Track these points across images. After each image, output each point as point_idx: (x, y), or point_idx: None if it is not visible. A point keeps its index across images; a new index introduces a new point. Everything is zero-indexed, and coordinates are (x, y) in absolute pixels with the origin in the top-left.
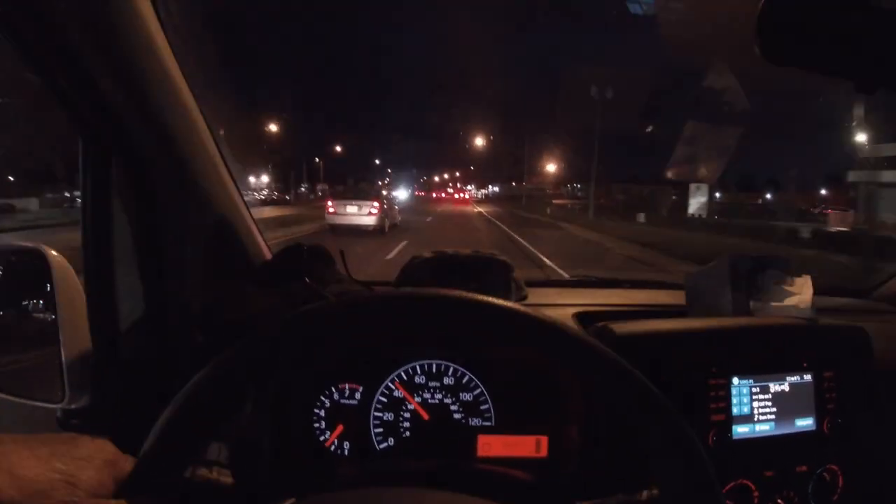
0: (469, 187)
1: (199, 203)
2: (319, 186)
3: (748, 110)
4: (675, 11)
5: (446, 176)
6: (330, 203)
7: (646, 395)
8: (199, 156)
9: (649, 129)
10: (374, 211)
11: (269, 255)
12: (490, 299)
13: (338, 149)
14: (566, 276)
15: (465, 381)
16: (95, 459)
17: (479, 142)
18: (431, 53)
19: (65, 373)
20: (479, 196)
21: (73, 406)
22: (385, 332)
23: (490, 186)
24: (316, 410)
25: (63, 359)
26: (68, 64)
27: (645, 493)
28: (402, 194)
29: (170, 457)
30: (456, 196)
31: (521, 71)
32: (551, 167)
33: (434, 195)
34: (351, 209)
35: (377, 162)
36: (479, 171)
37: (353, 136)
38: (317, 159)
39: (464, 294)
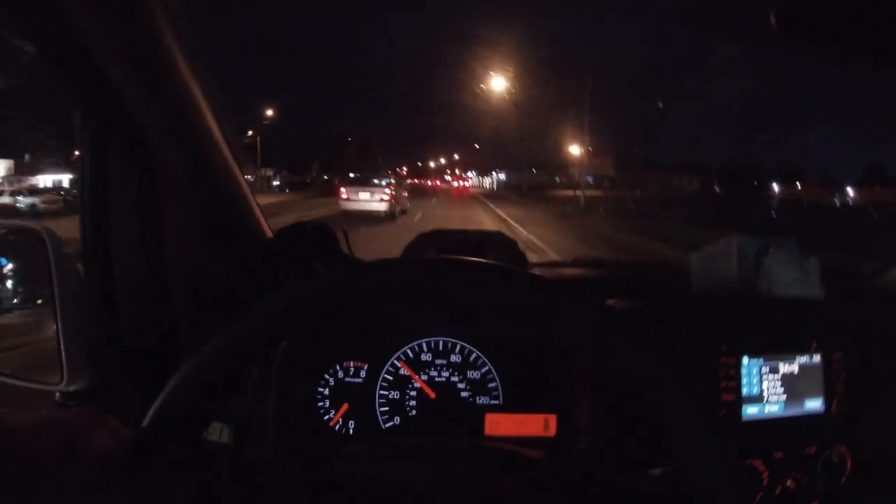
0: (469, 174)
1: (200, 180)
2: (265, 172)
3: None
4: None
5: (443, 160)
6: (343, 189)
7: (659, 369)
8: (199, 131)
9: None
10: (386, 198)
11: (269, 234)
12: (501, 264)
13: (269, 112)
14: (523, 231)
15: (472, 358)
16: (97, 428)
17: (497, 91)
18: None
19: (63, 355)
20: (487, 187)
21: (71, 388)
22: (387, 301)
23: (495, 173)
24: (320, 389)
25: (61, 341)
26: (67, 35)
27: (659, 471)
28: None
29: (181, 421)
30: (455, 185)
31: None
32: (573, 149)
33: (429, 183)
34: (363, 195)
35: (349, 140)
36: (484, 152)
37: (298, 103)
38: (250, 132)
39: (472, 259)
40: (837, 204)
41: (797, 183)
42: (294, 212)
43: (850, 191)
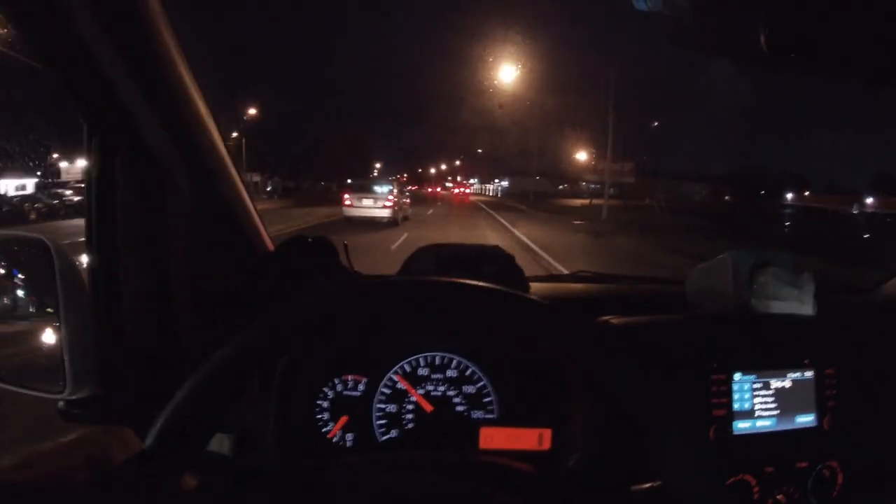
0: (472, 181)
1: (203, 192)
2: (252, 177)
3: None
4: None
5: (444, 167)
6: (347, 196)
7: (649, 386)
8: (203, 144)
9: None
10: (389, 204)
11: (271, 246)
12: (498, 287)
13: (251, 111)
14: (565, 271)
15: (468, 373)
16: (120, 449)
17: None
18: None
19: (67, 363)
20: (490, 195)
21: (74, 396)
22: (390, 320)
23: (497, 180)
24: (319, 402)
25: (66, 349)
26: (75, 49)
27: (648, 485)
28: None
29: (185, 435)
30: (456, 191)
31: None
32: (580, 156)
33: (429, 190)
34: (367, 202)
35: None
36: (487, 159)
37: (294, 105)
38: (234, 133)
39: (471, 281)
40: (854, 212)
41: (806, 192)
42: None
43: (868, 200)
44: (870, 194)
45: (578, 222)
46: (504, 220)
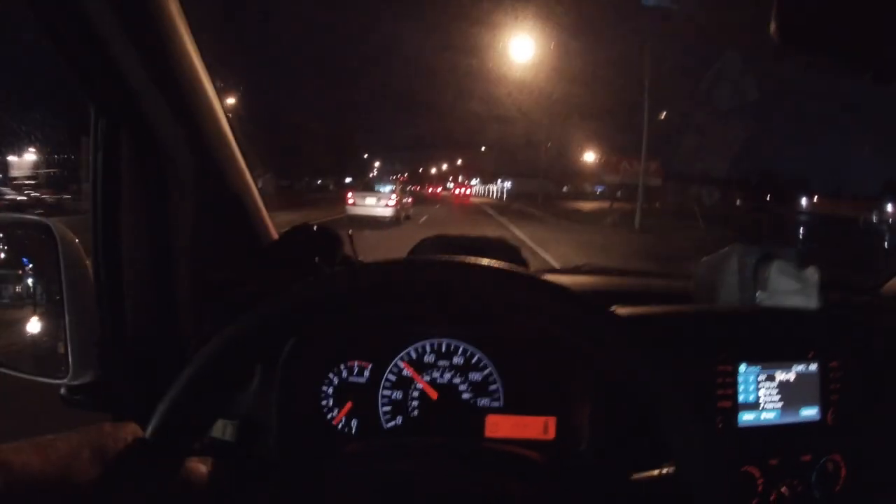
0: (474, 181)
1: (208, 179)
2: None
3: None
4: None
5: (445, 166)
6: (350, 194)
7: (660, 374)
8: (209, 130)
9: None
10: (392, 203)
11: (275, 235)
12: (508, 265)
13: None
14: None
15: (474, 360)
16: (123, 438)
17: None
18: None
19: (70, 349)
20: (494, 196)
21: (76, 382)
22: (394, 301)
23: (500, 181)
24: (324, 388)
25: (68, 335)
26: (81, 30)
27: (655, 473)
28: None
29: (186, 423)
30: (457, 192)
31: None
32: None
33: (429, 190)
34: (370, 200)
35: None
36: (490, 158)
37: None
38: None
39: (481, 260)
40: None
41: (815, 196)
42: None
43: (889, 208)
44: (887, 200)
45: (597, 227)
46: (521, 232)
